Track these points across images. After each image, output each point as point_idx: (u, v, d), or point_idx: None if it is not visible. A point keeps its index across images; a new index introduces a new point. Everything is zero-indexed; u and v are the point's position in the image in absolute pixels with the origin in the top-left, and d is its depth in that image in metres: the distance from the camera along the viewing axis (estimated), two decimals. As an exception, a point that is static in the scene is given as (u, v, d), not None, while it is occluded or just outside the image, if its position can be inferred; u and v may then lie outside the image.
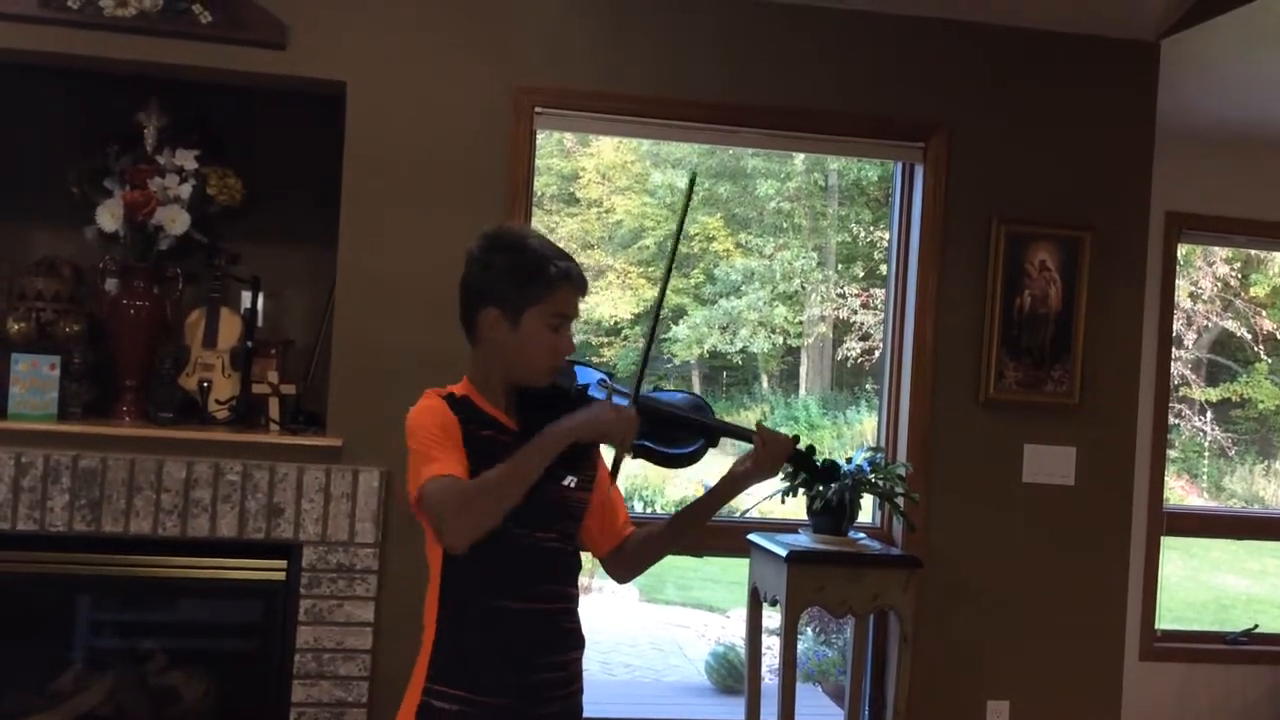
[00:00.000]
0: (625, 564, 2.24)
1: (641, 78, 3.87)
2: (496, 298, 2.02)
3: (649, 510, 9.48)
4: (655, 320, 2.16)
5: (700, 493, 2.25)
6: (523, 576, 2.03)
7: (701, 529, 2.22)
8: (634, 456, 2.12)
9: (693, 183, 2.46)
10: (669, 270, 2.18)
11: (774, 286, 12.25)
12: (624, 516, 2.24)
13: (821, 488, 3.68)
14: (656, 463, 2.18)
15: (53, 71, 3.76)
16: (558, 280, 2.03)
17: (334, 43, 3.68)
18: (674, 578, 9.57)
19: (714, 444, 2.16)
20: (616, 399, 2.08)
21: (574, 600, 2.12)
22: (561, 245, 2.15)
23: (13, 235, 3.84)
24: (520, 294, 2.01)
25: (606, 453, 2.16)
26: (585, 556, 2.21)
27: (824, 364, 13.25)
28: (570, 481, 2.08)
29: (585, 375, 2.17)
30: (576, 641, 2.13)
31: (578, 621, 2.13)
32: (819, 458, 2.20)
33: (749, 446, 2.14)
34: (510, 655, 2.02)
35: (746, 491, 2.22)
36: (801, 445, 2.16)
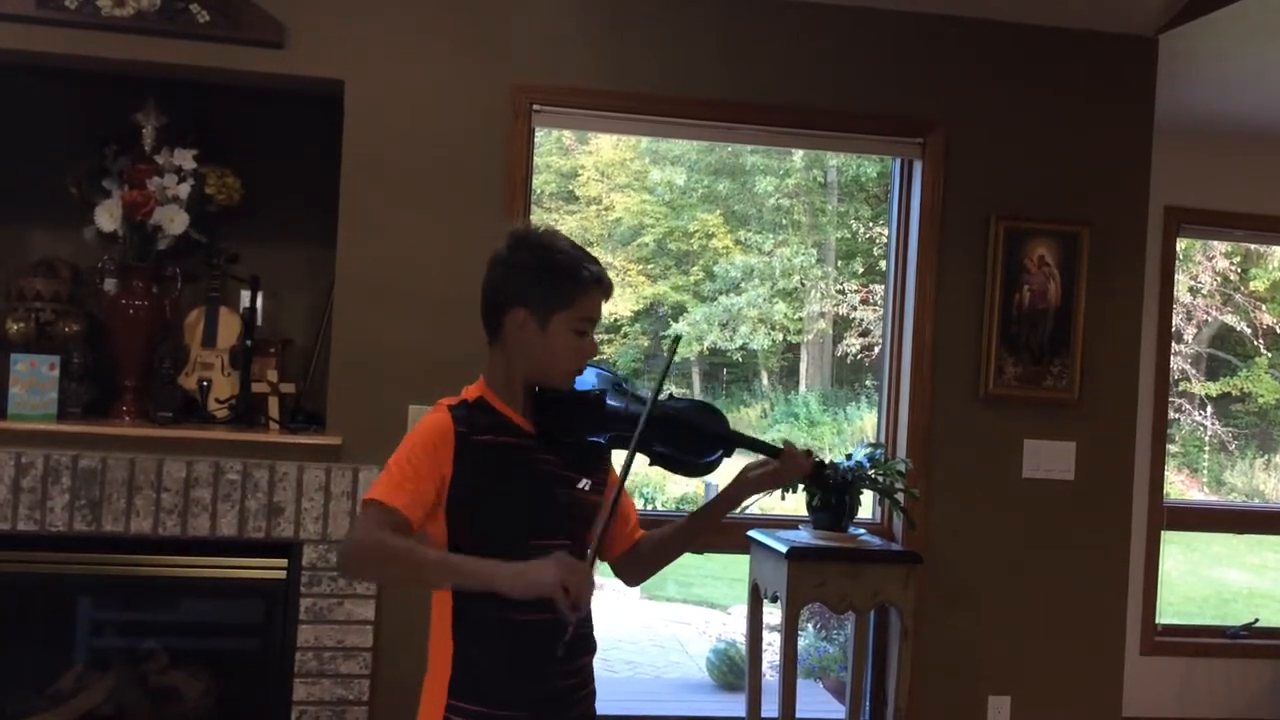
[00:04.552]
0: (636, 568, 2.23)
1: (640, 75, 3.87)
2: (525, 299, 1.99)
3: (649, 507, 9.49)
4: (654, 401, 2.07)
5: (702, 493, 2.24)
6: None
7: (713, 531, 2.20)
8: (652, 463, 2.11)
9: (677, 341, 2.53)
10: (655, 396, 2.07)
11: (773, 283, 12.24)
12: (634, 520, 2.23)
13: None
14: (675, 470, 2.18)
15: (50, 72, 3.76)
16: (589, 285, 2.01)
17: (332, 42, 3.67)
18: (675, 574, 9.55)
19: (730, 454, 2.16)
20: (633, 405, 2.07)
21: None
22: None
23: (11, 236, 3.84)
24: (551, 297, 1.99)
25: (616, 458, 2.15)
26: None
27: (824, 360, 13.25)
28: (585, 485, 2.06)
29: (590, 375, 2.16)
30: (590, 646, 2.12)
31: (590, 627, 2.11)
32: (827, 465, 2.20)
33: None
34: (528, 667, 2.00)
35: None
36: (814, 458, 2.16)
